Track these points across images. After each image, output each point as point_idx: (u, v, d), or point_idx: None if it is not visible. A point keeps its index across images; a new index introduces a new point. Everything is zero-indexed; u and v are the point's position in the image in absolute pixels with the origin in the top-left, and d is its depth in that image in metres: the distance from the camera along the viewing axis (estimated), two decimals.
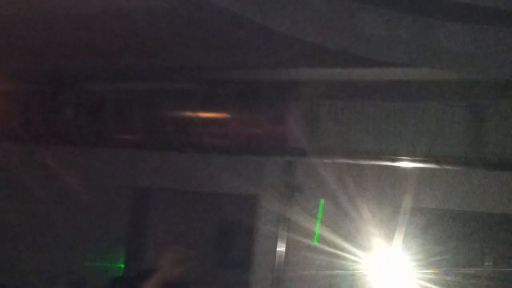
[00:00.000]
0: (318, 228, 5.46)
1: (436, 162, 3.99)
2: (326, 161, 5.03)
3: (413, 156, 4.08)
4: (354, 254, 5.36)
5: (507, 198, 4.69)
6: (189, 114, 4.66)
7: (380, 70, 4.02)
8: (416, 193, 4.95)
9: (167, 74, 4.90)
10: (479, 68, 3.68)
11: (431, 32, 3.80)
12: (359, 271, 5.29)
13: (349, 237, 5.32)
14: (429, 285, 5.11)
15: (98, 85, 5.04)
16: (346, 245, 5.39)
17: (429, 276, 5.18)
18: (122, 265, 7.14)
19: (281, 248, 5.53)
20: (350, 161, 4.74)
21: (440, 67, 3.80)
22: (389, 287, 5.33)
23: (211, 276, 7.15)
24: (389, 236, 5.12)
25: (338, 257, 5.33)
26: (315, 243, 5.41)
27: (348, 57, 3.95)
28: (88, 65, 4.81)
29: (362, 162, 4.47)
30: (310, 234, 5.46)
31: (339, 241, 5.36)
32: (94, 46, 4.41)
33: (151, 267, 5.66)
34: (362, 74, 4.12)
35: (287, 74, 4.37)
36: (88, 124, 4.96)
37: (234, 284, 6.77)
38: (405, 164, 4.32)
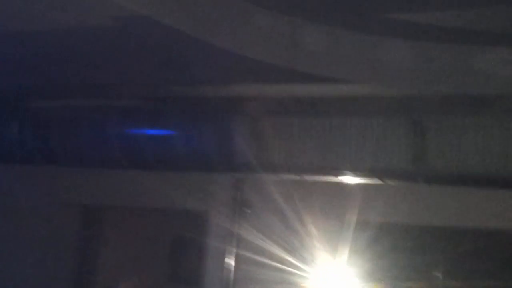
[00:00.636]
0: None
1: (379, 177, 4.04)
2: (273, 177, 5.06)
3: (356, 171, 4.12)
4: (301, 269, 5.38)
5: (448, 211, 4.76)
6: (136, 130, 4.64)
7: (324, 86, 4.05)
8: (361, 207, 4.99)
9: (114, 91, 4.88)
10: (419, 83, 3.73)
11: (373, 48, 3.84)
12: (305, 286, 5.31)
13: (297, 252, 5.34)
14: None
15: (42, 102, 4.99)
16: (294, 260, 5.41)
17: None
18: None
19: (230, 263, 5.53)
20: (296, 177, 4.78)
21: (382, 83, 3.84)
22: None
23: None
24: (336, 251, 5.15)
25: (286, 272, 5.35)
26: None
27: (292, 73, 3.99)
28: (31, 82, 4.76)
29: (307, 177, 4.50)
30: (259, 250, 5.47)
31: (287, 256, 5.38)
32: (38, 63, 4.38)
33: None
34: (306, 90, 4.15)
35: (232, 91, 4.38)
36: (33, 141, 4.90)
37: None
38: (350, 179, 4.36)
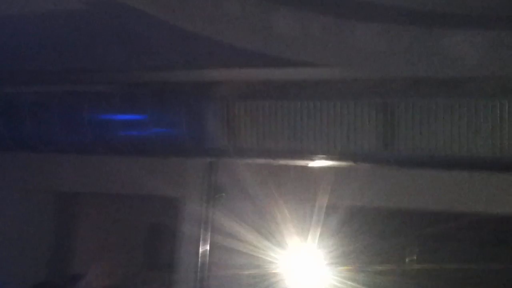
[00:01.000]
0: None
1: (351, 160, 4.06)
2: (246, 161, 5.07)
3: (328, 155, 4.14)
4: (275, 254, 5.41)
5: (418, 194, 4.80)
6: (107, 116, 4.63)
7: (295, 70, 4.06)
8: (333, 191, 5.01)
9: (85, 76, 4.85)
10: (389, 66, 3.76)
11: (344, 32, 3.86)
12: (278, 270, 5.34)
13: (270, 236, 5.36)
14: (346, 282, 5.19)
15: (13, 88, 4.95)
16: (268, 245, 5.43)
17: (346, 273, 5.26)
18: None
19: (204, 249, 5.53)
20: (269, 161, 4.79)
21: (353, 66, 3.87)
22: (307, 285, 5.40)
23: (139, 278, 7.10)
24: (308, 235, 5.18)
25: (260, 257, 5.37)
26: None
27: (264, 57, 3.99)
28: (1, 67, 4.73)
29: (279, 161, 4.52)
30: (233, 235, 5.49)
31: (261, 240, 5.40)
32: (8, 48, 4.35)
33: (78, 273, 5.61)
34: (277, 74, 4.16)
35: (204, 75, 4.37)
36: (4, 127, 4.87)
37: (161, 286, 6.73)
38: (322, 163, 4.38)
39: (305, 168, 4.91)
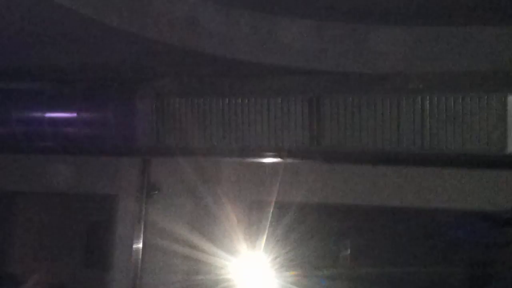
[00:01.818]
0: None
1: (281, 156, 4.08)
2: (180, 158, 5.06)
3: (261, 151, 4.15)
4: (209, 251, 5.41)
5: (344, 189, 4.84)
6: (37, 114, 4.56)
7: (225, 66, 4.06)
8: (263, 186, 5.04)
9: (15, 74, 4.78)
10: (316, 62, 3.78)
11: (273, 28, 3.87)
12: (216, 269, 5.34)
13: (205, 234, 5.36)
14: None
15: None
16: (202, 243, 5.43)
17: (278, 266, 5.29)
18: None
19: (138, 247, 5.49)
20: (203, 158, 4.79)
21: (281, 62, 3.88)
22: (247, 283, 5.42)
23: (76, 277, 7.04)
24: (243, 232, 5.19)
25: (194, 256, 5.37)
26: None
27: (193, 54, 3.98)
28: None
29: (212, 158, 4.51)
30: (167, 233, 5.46)
31: (195, 239, 5.40)
32: None
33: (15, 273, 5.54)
34: (208, 69, 4.15)
35: (136, 72, 4.34)
36: None
37: (97, 284, 6.67)
38: (254, 159, 4.40)
39: (239, 164, 4.92)
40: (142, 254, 5.43)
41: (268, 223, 5.48)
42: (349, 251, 6.31)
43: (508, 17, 3.48)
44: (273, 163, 4.55)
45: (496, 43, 3.54)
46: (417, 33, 3.75)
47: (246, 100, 3.86)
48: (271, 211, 5.61)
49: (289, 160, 4.19)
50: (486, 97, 3.33)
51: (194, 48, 3.94)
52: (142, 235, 5.45)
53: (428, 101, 3.41)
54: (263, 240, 5.69)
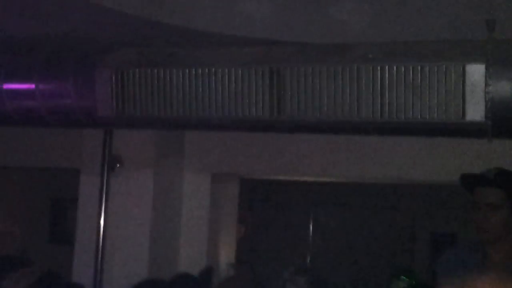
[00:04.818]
0: None
1: (243, 127, 4.06)
2: (141, 130, 5.03)
3: (222, 123, 4.12)
4: (175, 226, 5.40)
5: (310, 161, 4.86)
6: None
7: (184, 36, 4.03)
8: (227, 159, 5.05)
9: None
10: (277, 32, 3.77)
11: None
12: (180, 242, 5.34)
13: (171, 208, 5.37)
14: None
15: None
16: (167, 216, 5.43)
17: None
18: None
19: (101, 221, 5.46)
20: (164, 129, 4.76)
21: (242, 32, 3.86)
22: None
23: (41, 252, 7.02)
24: (202, 202, 5.19)
25: (159, 229, 5.36)
26: None
27: (152, 25, 3.95)
28: None
29: (174, 130, 4.48)
30: (130, 206, 5.44)
31: (158, 213, 5.41)
32: None
33: None
34: (168, 41, 4.12)
35: (92, 43, 4.29)
36: None
37: (63, 259, 6.64)
38: (215, 131, 4.38)
39: (200, 136, 4.92)
40: (104, 228, 5.40)
41: (232, 196, 5.50)
42: (311, 222, 6.38)
43: None
44: (234, 135, 4.54)
45: (454, 13, 3.56)
46: (377, 3, 3.75)
47: (206, 71, 3.83)
48: (235, 184, 5.63)
49: (250, 132, 4.18)
50: (444, 66, 3.34)
51: (154, 18, 3.90)
52: (104, 210, 5.41)
53: (387, 71, 3.41)
54: (225, 213, 5.70)
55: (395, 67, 3.42)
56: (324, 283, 4.59)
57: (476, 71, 3.33)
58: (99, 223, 5.43)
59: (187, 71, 3.91)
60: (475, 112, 3.35)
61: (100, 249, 5.39)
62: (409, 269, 5.80)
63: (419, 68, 3.39)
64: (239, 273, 5.66)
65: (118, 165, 5.43)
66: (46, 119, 4.47)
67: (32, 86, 4.35)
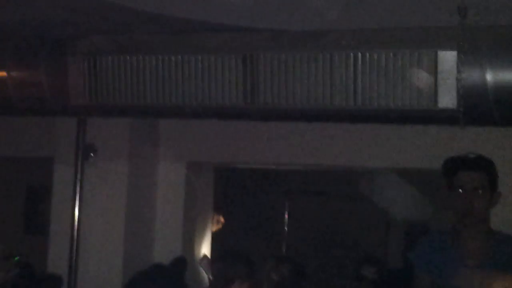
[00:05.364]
0: None
1: (216, 115, 4.06)
2: (116, 119, 5.00)
3: (196, 110, 4.11)
4: (150, 215, 5.39)
5: (282, 148, 4.86)
6: None
7: (157, 23, 4.00)
8: (203, 147, 5.04)
9: None
10: (250, 19, 3.76)
11: None
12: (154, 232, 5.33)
13: (145, 196, 5.35)
14: None
15: None
16: (142, 205, 5.41)
17: None
18: None
19: (77, 210, 5.42)
20: (137, 117, 4.74)
21: (216, 18, 3.84)
22: None
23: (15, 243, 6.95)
24: (179, 190, 5.18)
25: (134, 218, 5.35)
26: None
27: (124, 11, 3.91)
28: None
29: (147, 119, 4.46)
30: (105, 196, 5.41)
31: (135, 201, 5.39)
32: None
33: None
34: (141, 27, 4.09)
35: (65, 30, 4.25)
36: None
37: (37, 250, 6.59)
38: (189, 118, 4.36)
39: (175, 125, 4.89)
40: (79, 218, 5.37)
41: (206, 185, 5.48)
42: (287, 212, 6.39)
43: None
44: (209, 123, 4.52)
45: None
46: None
47: (180, 58, 3.81)
48: (209, 172, 5.61)
49: (223, 119, 4.17)
50: (417, 53, 3.35)
51: (127, 5, 3.87)
52: (79, 199, 5.38)
53: (360, 58, 3.41)
54: (200, 203, 5.69)
55: (368, 54, 3.43)
56: (304, 272, 4.62)
57: (448, 58, 3.34)
58: (73, 212, 5.39)
59: (160, 58, 3.90)
60: (447, 99, 3.36)
61: (75, 239, 5.35)
62: (377, 257, 5.88)
63: (391, 55, 3.40)
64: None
65: (92, 154, 5.40)
66: (18, 107, 4.43)
67: (4, 74, 4.31)
